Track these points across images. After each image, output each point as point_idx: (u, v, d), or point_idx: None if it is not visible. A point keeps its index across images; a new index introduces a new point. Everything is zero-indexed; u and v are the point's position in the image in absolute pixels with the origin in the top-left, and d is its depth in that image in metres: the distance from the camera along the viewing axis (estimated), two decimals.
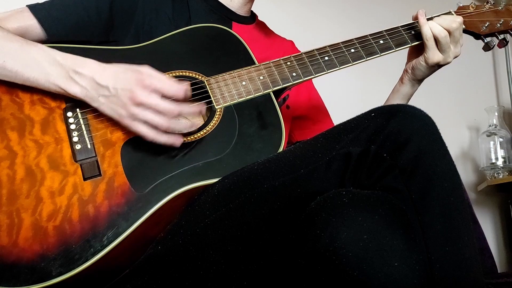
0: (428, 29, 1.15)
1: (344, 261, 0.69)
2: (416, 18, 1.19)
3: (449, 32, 1.15)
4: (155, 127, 0.92)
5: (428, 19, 1.17)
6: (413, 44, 1.18)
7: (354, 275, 0.69)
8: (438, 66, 1.18)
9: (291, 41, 1.43)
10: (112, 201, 0.90)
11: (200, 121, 1.09)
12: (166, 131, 0.93)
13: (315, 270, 0.74)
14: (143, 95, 0.90)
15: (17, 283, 0.82)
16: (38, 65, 0.95)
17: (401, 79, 1.26)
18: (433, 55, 1.16)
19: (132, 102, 0.91)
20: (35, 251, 0.84)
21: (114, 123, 0.97)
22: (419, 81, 1.24)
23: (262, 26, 1.38)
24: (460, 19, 1.17)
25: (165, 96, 0.92)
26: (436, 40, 1.15)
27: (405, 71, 1.24)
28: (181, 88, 0.93)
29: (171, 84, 0.93)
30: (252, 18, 1.35)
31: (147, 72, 0.93)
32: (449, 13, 1.23)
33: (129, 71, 0.94)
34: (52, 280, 0.82)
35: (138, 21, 1.16)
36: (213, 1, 1.27)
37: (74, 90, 0.94)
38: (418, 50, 1.21)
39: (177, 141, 0.95)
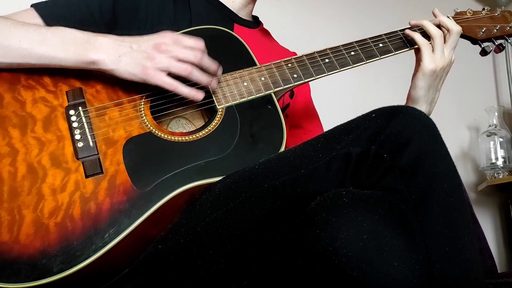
0: (419, 36, 1.16)
1: (344, 261, 0.70)
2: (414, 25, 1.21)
3: (449, 30, 1.16)
4: (177, 77, 0.97)
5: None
6: (411, 48, 1.19)
7: (354, 275, 0.69)
8: (435, 75, 1.16)
9: (295, 53, 1.43)
10: (114, 199, 0.90)
11: (201, 121, 1.09)
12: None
13: (315, 269, 0.74)
14: (167, 43, 0.97)
15: (18, 280, 0.82)
16: (55, 39, 0.97)
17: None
18: (429, 62, 1.15)
19: (156, 50, 0.96)
20: (36, 247, 0.84)
21: (116, 121, 0.97)
22: (417, 99, 1.19)
23: (266, 33, 1.38)
24: (458, 28, 1.17)
25: (187, 48, 0.98)
26: (432, 40, 1.16)
27: (410, 88, 1.21)
28: (200, 40, 1.00)
29: (188, 37, 1.00)
30: (256, 23, 1.35)
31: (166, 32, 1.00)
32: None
33: (148, 35, 1.00)
34: (53, 276, 0.82)
35: (141, 21, 1.16)
36: (215, 1, 1.27)
37: (95, 54, 0.96)
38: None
39: (198, 94, 0.99)
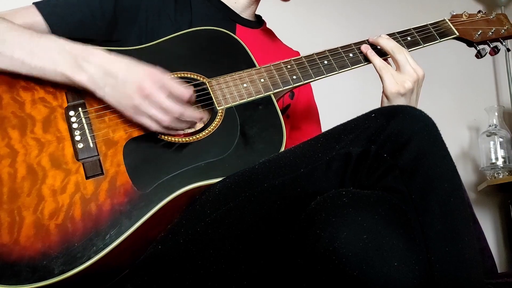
0: (379, 59, 1.11)
1: (344, 261, 0.70)
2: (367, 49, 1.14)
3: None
4: (156, 122, 0.95)
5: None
6: (409, 50, 1.16)
7: (354, 275, 0.69)
8: (401, 95, 1.07)
9: (298, 52, 1.43)
10: (114, 200, 0.90)
11: (201, 123, 1.09)
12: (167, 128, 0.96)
13: (315, 269, 0.74)
14: (152, 89, 0.93)
15: (19, 282, 0.81)
16: (45, 54, 0.96)
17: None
18: (390, 83, 1.08)
19: (139, 94, 0.93)
20: (37, 249, 0.84)
21: (116, 122, 0.97)
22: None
23: (269, 33, 1.38)
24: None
25: (171, 96, 0.95)
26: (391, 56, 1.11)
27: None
28: (188, 91, 0.97)
29: (178, 85, 0.96)
30: (258, 23, 1.35)
31: (157, 71, 0.96)
32: (443, 21, 1.25)
33: (140, 65, 0.97)
34: (54, 278, 0.82)
35: (141, 21, 1.16)
36: (216, 2, 1.27)
37: (81, 77, 0.94)
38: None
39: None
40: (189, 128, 1.02)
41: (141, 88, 0.93)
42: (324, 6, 2.58)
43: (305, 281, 0.77)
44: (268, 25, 1.40)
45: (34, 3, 1.10)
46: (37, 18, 1.08)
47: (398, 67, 1.10)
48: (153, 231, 0.93)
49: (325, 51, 1.15)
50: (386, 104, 1.09)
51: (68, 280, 0.83)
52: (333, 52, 1.15)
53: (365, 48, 1.14)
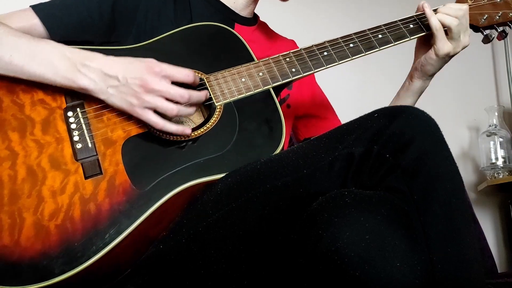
0: (436, 19, 1.14)
1: (346, 261, 0.69)
2: (420, 9, 1.19)
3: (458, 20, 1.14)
4: (164, 115, 0.94)
5: (433, 10, 1.17)
6: (411, 38, 1.18)
7: (356, 275, 0.69)
8: (448, 57, 1.17)
9: (293, 40, 1.43)
10: (113, 199, 0.90)
11: (200, 119, 1.09)
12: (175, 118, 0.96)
13: (317, 270, 0.74)
14: (154, 81, 0.93)
15: (20, 282, 0.82)
16: (45, 59, 0.95)
17: (410, 77, 1.25)
18: (443, 45, 1.15)
19: (143, 89, 0.93)
20: (37, 250, 0.84)
21: (114, 121, 0.97)
22: (431, 76, 1.23)
23: (264, 27, 1.38)
24: (465, 6, 1.16)
25: (174, 83, 0.95)
26: (448, 30, 1.14)
27: (415, 68, 1.23)
28: (190, 73, 0.96)
29: (180, 69, 0.96)
30: (254, 19, 1.35)
31: (155, 61, 0.96)
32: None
33: (137, 61, 0.96)
34: (54, 278, 0.82)
35: (140, 22, 1.16)
36: (216, 2, 1.26)
37: (83, 82, 0.94)
38: (425, 45, 1.20)
39: (186, 130, 0.96)
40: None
41: (144, 84, 0.93)
42: (324, 6, 2.58)
43: (306, 281, 0.77)
44: (269, 23, 1.41)
45: (31, 6, 1.10)
46: (34, 21, 1.08)
47: (450, 31, 1.15)
48: (154, 229, 0.93)
49: (324, 42, 1.13)
50: (433, 62, 1.18)
51: (69, 280, 0.83)
52: (333, 43, 1.13)
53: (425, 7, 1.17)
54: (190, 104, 0.97)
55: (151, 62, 0.96)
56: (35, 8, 1.09)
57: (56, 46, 0.97)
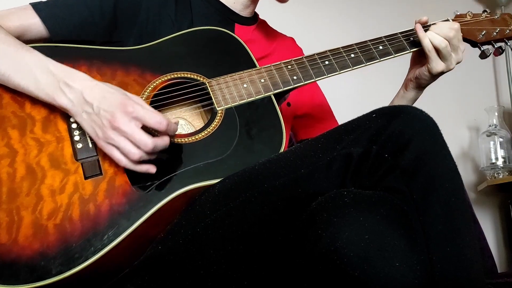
0: (428, 41, 1.15)
1: (345, 261, 0.69)
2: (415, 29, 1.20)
3: (448, 41, 1.15)
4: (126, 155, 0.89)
5: (425, 28, 1.18)
6: (411, 50, 1.19)
7: (355, 275, 0.69)
8: (442, 73, 1.19)
9: (292, 38, 1.44)
10: (113, 200, 0.89)
11: (200, 122, 1.09)
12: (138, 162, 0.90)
13: (316, 270, 0.74)
14: (122, 120, 0.88)
15: (17, 281, 0.81)
16: (30, 72, 0.94)
17: (405, 87, 1.27)
18: (436, 65, 1.16)
19: (110, 125, 0.88)
20: (35, 249, 0.84)
21: None
22: (423, 88, 1.25)
23: (264, 26, 1.38)
24: (456, 25, 1.17)
25: (145, 127, 0.89)
26: (437, 51, 1.15)
27: (409, 80, 1.25)
28: (163, 121, 0.89)
29: (153, 115, 0.89)
30: (254, 18, 1.35)
31: (134, 99, 0.91)
32: (446, 21, 1.23)
33: (118, 93, 0.91)
34: (51, 278, 0.82)
35: (142, 22, 1.15)
36: (216, 2, 1.26)
37: (62, 101, 0.92)
38: (420, 59, 1.22)
39: (150, 169, 0.91)
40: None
41: (112, 120, 0.88)
42: (324, 6, 2.58)
43: (306, 281, 0.77)
44: (270, 24, 1.40)
45: (31, 4, 1.09)
46: (34, 20, 1.07)
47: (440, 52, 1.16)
48: (152, 231, 0.93)
49: (326, 51, 1.14)
50: (426, 78, 1.20)
51: (66, 280, 0.83)
52: (334, 52, 1.15)
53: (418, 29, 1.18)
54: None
55: (129, 99, 0.90)
56: (36, 7, 1.09)
57: (41, 59, 0.95)
